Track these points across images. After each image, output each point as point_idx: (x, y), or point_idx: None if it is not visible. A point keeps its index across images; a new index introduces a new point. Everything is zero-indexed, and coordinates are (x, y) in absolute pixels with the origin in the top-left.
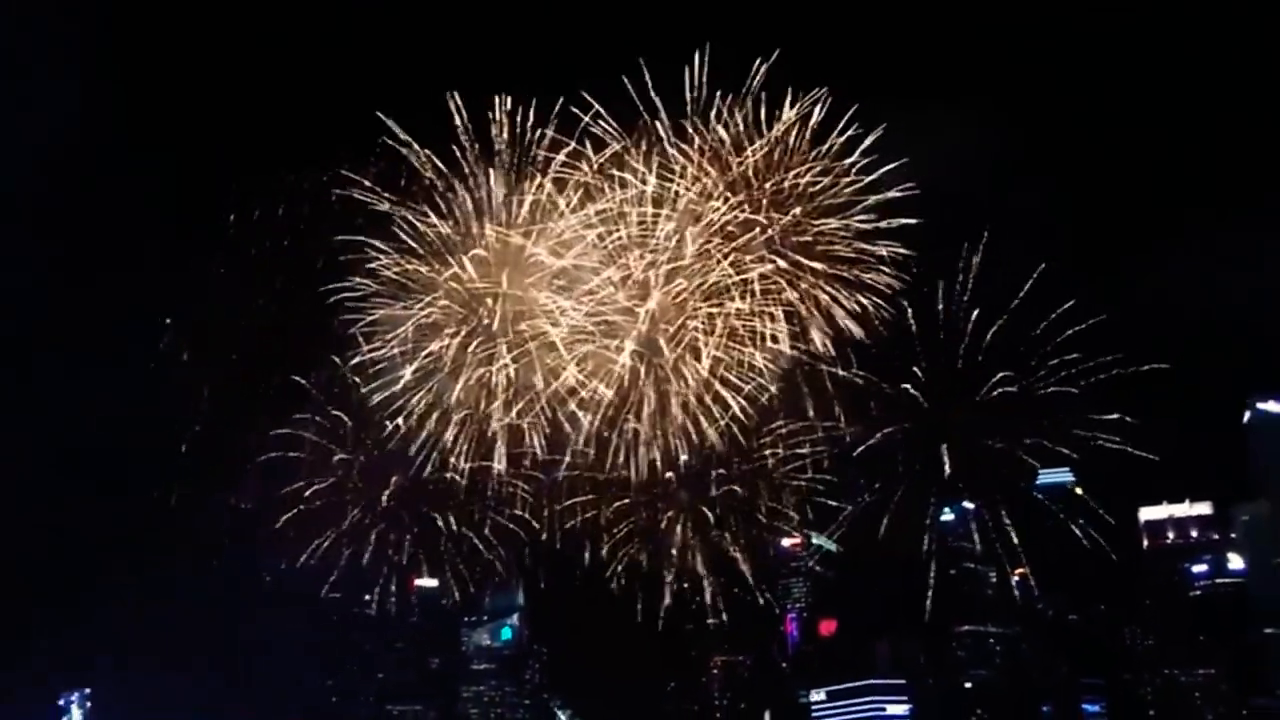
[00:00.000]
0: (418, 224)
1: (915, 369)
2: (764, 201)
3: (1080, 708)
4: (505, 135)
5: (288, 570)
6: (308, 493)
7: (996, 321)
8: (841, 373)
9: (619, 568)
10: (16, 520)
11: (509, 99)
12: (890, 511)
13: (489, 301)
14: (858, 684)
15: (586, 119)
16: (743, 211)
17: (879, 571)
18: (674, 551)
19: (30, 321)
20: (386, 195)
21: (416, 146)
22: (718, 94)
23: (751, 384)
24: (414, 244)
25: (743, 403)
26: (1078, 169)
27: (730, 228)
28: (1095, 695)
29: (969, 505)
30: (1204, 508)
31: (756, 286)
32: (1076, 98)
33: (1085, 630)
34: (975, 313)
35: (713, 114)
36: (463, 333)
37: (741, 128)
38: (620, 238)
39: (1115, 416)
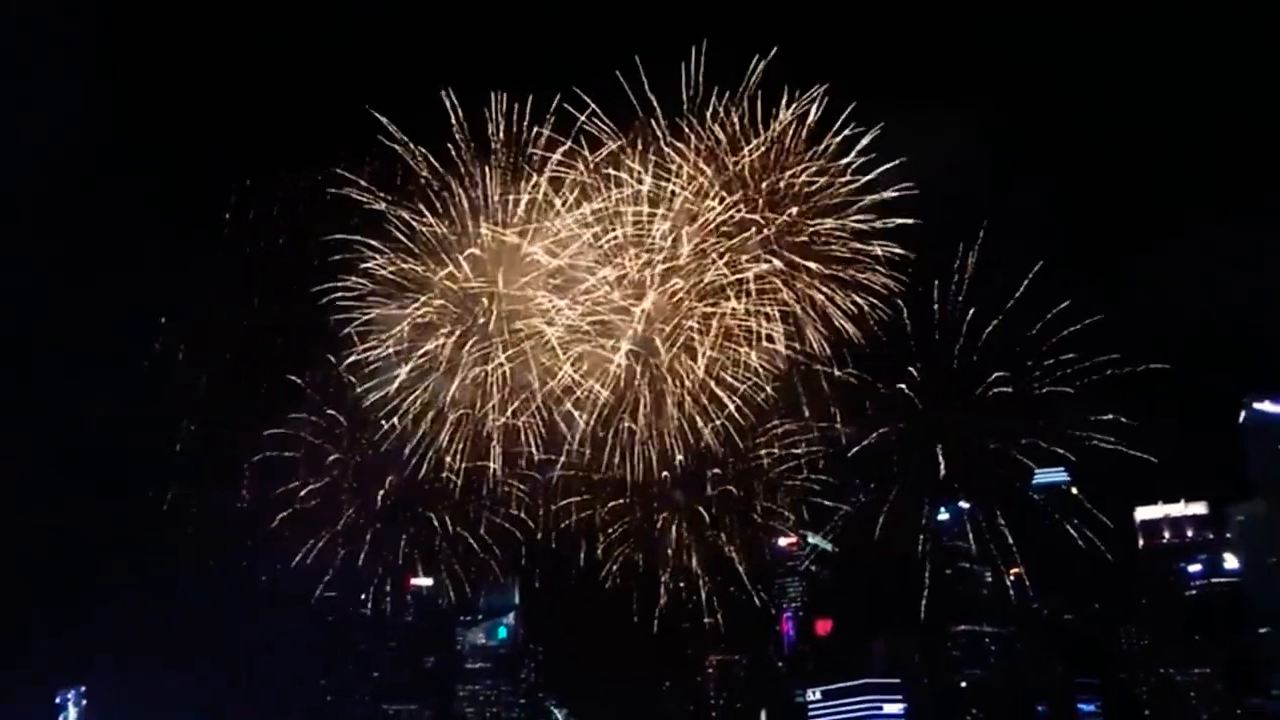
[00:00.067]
0: (413, 223)
1: (911, 369)
2: (760, 201)
3: (1075, 707)
4: (501, 134)
5: (284, 570)
6: (303, 492)
7: (992, 321)
8: (837, 373)
9: (614, 567)
10: (16, 520)
11: (505, 96)
12: (886, 511)
13: (484, 301)
14: (853, 683)
15: (582, 119)
16: (739, 211)
17: (875, 571)
18: (670, 551)
19: (30, 321)
20: (382, 195)
21: (412, 145)
22: (714, 92)
23: (747, 384)
24: (409, 243)
25: (738, 402)
26: (1075, 169)
27: (726, 227)
28: (1090, 694)
29: (964, 505)
30: (1199, 508)
31: (752, 286)
32: (1074, 97)
33: (1080, 630)
34: (971, 312)
35: (709, 112)
36: (458, 332)
37: (738, 127)
38: (616, 237)
39: (1110, 417)
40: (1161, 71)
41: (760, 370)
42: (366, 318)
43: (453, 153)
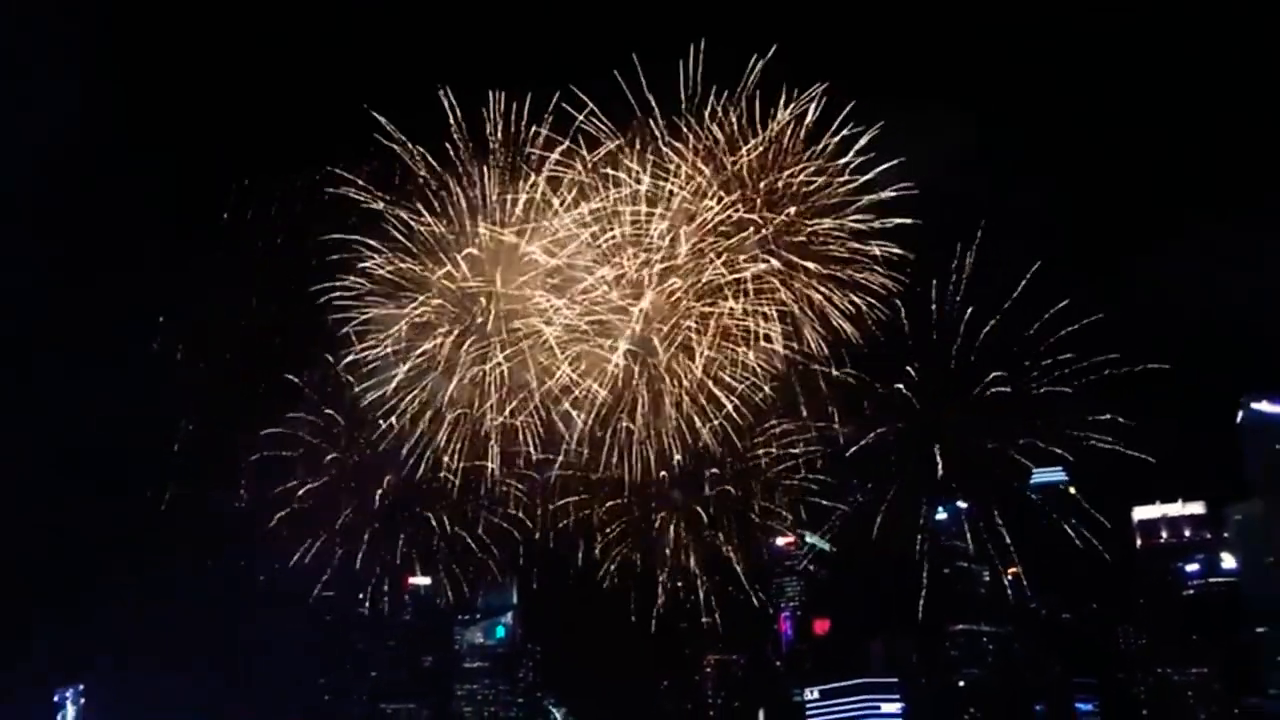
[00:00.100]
0: (411, 222)
1: (909, 369)
2: (758, 201)
3: (1073, 707)
4: (499, 134)
5: (282, 570)
6: (301, 492)
7: (990, 321)
8: (835, 372)
9: (612, 567)
10: (16, 520)
11: (503, 96)
12: (883, 511)
13: (482, 300)
14: (851, 682)
15: (580, 118)
16: (737, 211)
17: (872, 571)
18: (667, 551)
19: (30, 321)
20: (380, 194)
21: (410, 145)
22: (713, 91)
23: (745, 384)
24: (408, 242)
25: (736, 402)
26: (1074, 169)
27: (724, 227)
28: (1088, 694)
29: (962, 504)
30: (1197, 507)
31: (750, 286)
32: (1074, 97)
33: (1078, 629)
34: (969, 312)
35: (707, 112)
36: (456, 332)
37: (736, 127)
38: (614, 237)
39: (1108, 417)
40: (1161, 71)
41: (758, 370)
42: (364, 317)
43: (450, 152)
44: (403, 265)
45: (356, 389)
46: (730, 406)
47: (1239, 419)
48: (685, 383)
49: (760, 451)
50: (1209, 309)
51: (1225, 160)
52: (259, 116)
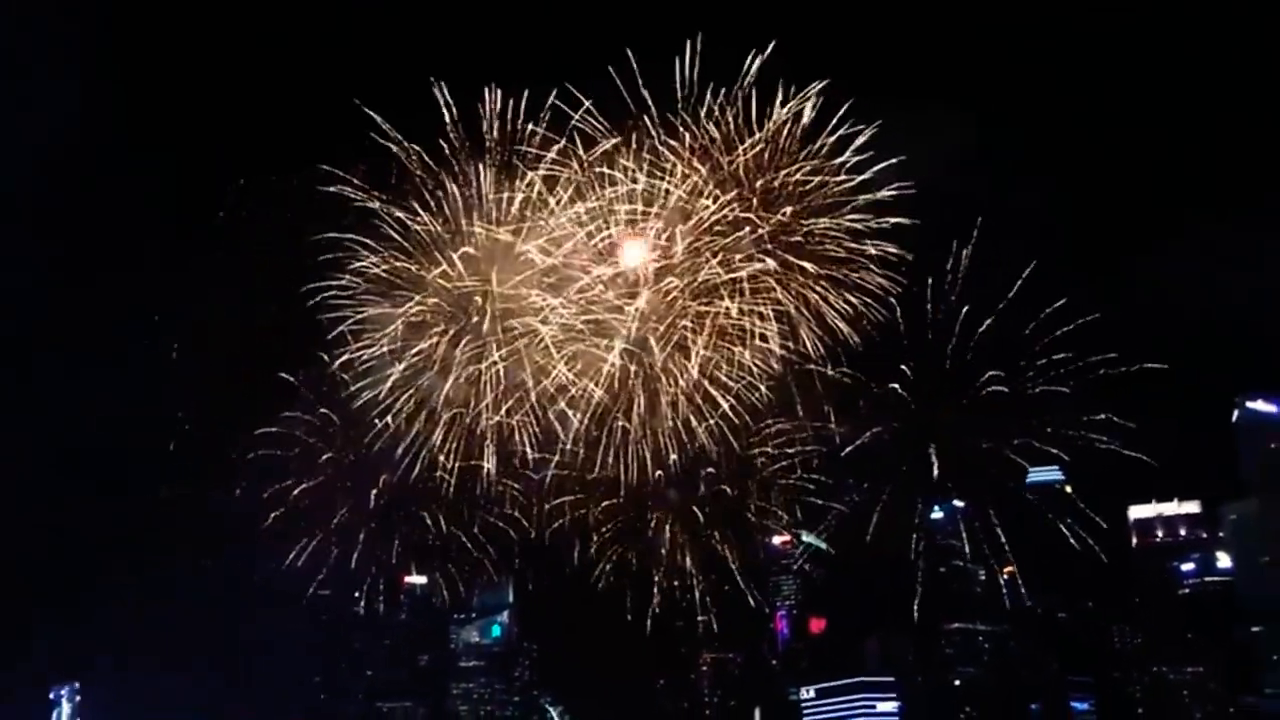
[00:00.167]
0: (407, 221)
1: (904, 368)
2: (755, 200)
3: (1069, 705)
4: (495, 132)
5: (278, 569)
6: (296, 491)
7: (986, 320)
8: (830, 372)
9: (608, 566)
10: (16, 520)
11: (499, 93)
12: (879, 510)
13: (478, 300)
14: (847, 681)
15: (576, 117)
16: (733, 210)
17: (868, 570)
18: (663, 550)
19: (30, 321)
20: (376, 193)
21: (406, 143)
22: (709, 88)
23: (741, 383)
24: (403, 241)
25: (732, 402)
26: (1071, 168)
27: (720, 226)
28: (1084, 693)
29: (958, 504)
30: (1192, 506)
31: (746, 286)
32: (1072, 96)
33: (1074, 628)
34: (965, 311)
35: (704, 110)
36: (451, 331)
37: (732, 125)
38: (610, 235)
39: (1104, 417)
40: (1159, 71)
41: (754, 370)
42: (360, 316)
43: (446, 150)
44: (398, 264)
45: (352, 388)
46: (726, 406)
47: (1234, 418)
48: (681, 382)
49: (756, 451)
50: (1205, 309)
51: (1223, 161)
52: (259, 116)
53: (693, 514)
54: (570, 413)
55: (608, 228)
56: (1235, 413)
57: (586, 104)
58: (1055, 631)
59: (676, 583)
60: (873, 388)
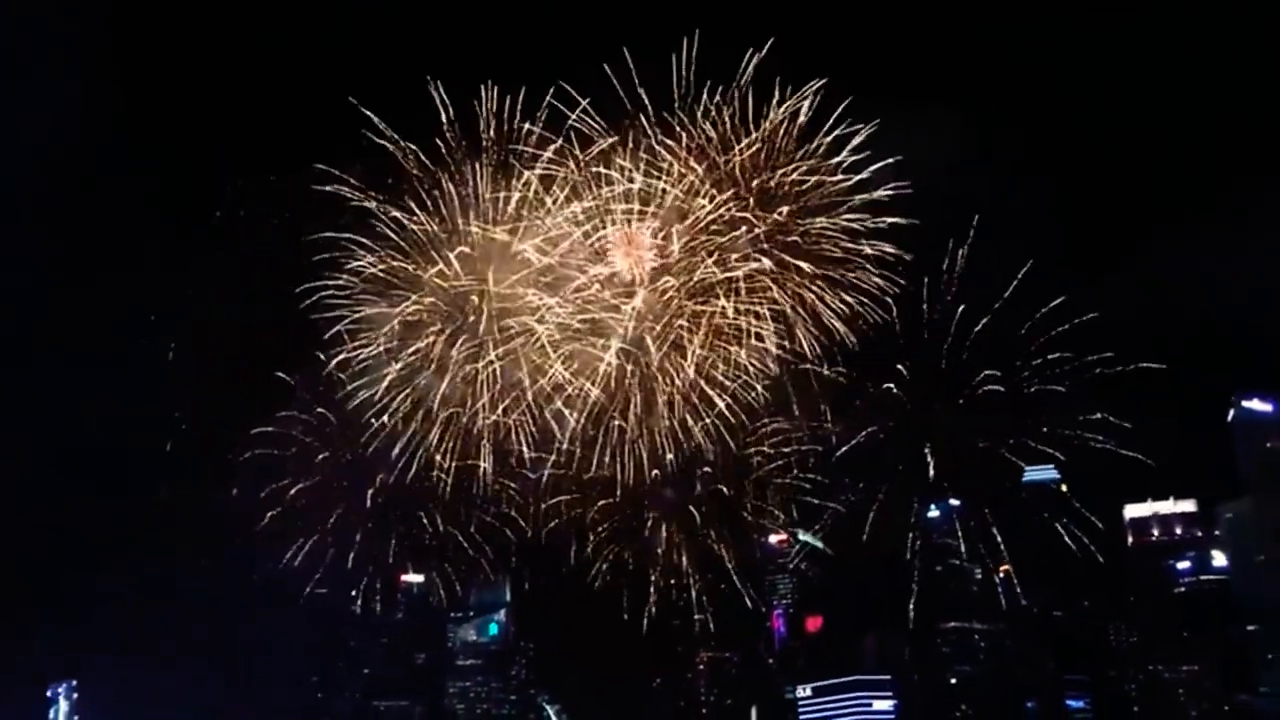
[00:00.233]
0: (404, 220)
1: (900, 367)
2: (751, 200)
3: (1064, 704)
4: (491, 131)
5: (275, 568)
6: (293, 491)
7: (983, 319)
8: (826, 371)
9: (604, 565)
10: (16, 520)
11: (495, 91)
12: (875, 509)
13: (474, 299)
14: (844, 680)
15: (573, 117)
16: (730, 210)
17: (864, 569)
18: (660, 550)
19: (30, 321)
20: (372, 193)
21: (402, 143)
22: (706, 87)
23: (737, 383)
24: (400, 241)
25: (728, 401)
26: (1068, 168)
27: (717, 226)
28: (1079, 691)
29: (954, 503)
30: (1188, 505)
31: (743, 285)
32: (1069, 96)
33: (1070, 627)
34: (960, 310)
35: (700, 109)
36: (448, 330)
37: (729, 125)
38: (605, 235)
39: (1100, 416)
40: (1157, 71)
41: (750, 369)
42: (357, 316)
43: (442, 149)
44: (395, 264)
45: (349, 388)
46: (722, 405)
47: (1230, 417)
48: (678, 382)
49: (752, 450)
50: (1201, 308)
51: (1219, 161)
52: (254, 115)
53: (689, 513)
54: (567, 412)
55: (604, 227)
56: (1231, 412)
57: (583, 103)
58: (1051, 630)
59: (673, 582)
60: (869, 387)
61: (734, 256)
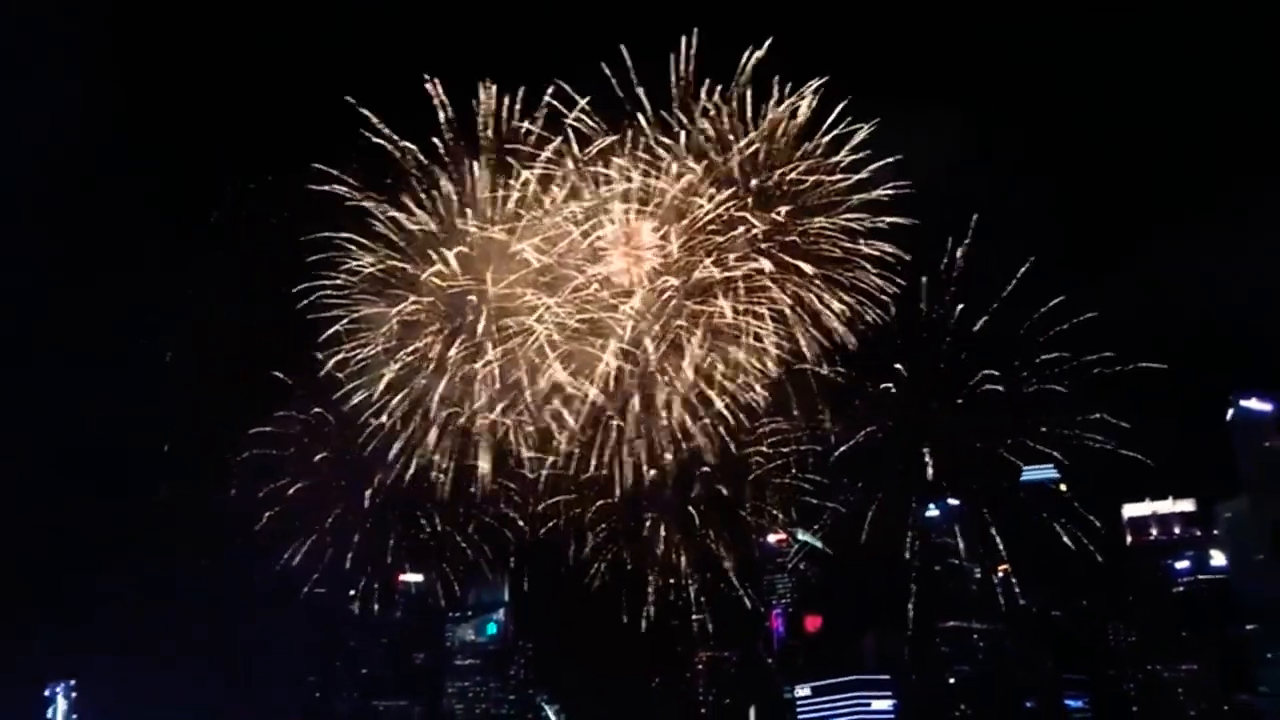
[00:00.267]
0: (402, 220)
1: (899, 367)
2: (750, 199)
3: (1063, 703)
4: (489, 130)
5: (274, 568)
6: (291, 491)
7: (981, 319)
8: (825, 371)
9: (603, 565)
10: (16, 520)
11: (494, 89)
12: (874, 509)
13: (472, 299)
14: (843, 679)
15: (571, 117)
16: (729, 209)
17: (863, 569)
18: (659, 549)
19: (30, 321)
20: (371, 193)
21: (401, 142)
22: (705, 86)
23: (736, 383)
24: (398, 240)
25: (727, 401)
26: (1067, 168)
27: (716, 225)
28: (1078, 691)
29: (953, 503)
30: (1187, 504)
31: (741, 285)
32: (1069, 96)
33: (1068, 626)
34: (959, 310)
35: (699, 108)
36: (446, 330)
37: (728, 124)
38: (605, 235)
39: (1099, 416)
40: (1155, 71)
41: (749, 369)
42: (355, 316)
43: (440, 148)
44: (393, 263)
45: (347, 387)
46: (721, 406)
47: (1229, 417)
48: (676, 382)
49: (751, 451)
50: (1201, 309)
51: (1219, 161)
52: (261, 116)
53: (688, 513)
54: (565, 412)
55: (603, 226)
56: (1230, 411)
57: (582, 102)
58: (1050, 630)
59: (672, 581)
60: (868, 387)
61: (733, 256)
